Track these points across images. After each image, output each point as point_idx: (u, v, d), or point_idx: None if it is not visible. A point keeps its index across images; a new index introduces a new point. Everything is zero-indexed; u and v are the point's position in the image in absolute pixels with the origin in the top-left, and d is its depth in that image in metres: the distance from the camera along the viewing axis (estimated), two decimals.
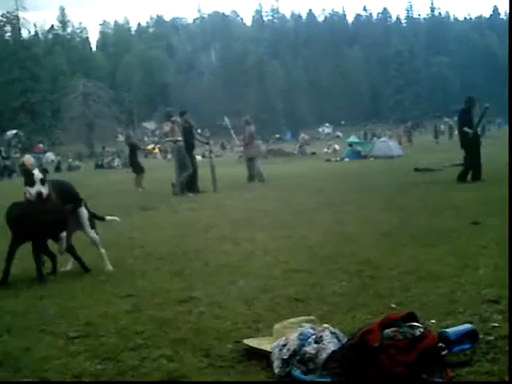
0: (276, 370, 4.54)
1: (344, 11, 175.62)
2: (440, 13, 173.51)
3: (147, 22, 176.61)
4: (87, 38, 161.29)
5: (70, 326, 6.03)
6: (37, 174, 8.35)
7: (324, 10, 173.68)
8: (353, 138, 58.12)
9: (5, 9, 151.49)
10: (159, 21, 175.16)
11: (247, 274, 7.78)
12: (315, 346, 4.52)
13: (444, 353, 4.39)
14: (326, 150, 54.63)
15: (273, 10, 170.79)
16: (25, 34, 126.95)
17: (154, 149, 65.50)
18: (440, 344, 4.40)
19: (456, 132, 19.90)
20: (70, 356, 5.17)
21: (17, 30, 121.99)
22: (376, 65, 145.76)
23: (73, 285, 7.76)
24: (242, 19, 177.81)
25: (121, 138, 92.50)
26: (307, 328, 4.78)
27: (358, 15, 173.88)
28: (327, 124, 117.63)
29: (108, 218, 9.76)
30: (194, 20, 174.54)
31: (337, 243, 9.65)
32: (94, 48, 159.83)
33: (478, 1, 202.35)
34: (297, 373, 4.42)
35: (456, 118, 20.15)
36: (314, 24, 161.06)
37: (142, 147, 33.91)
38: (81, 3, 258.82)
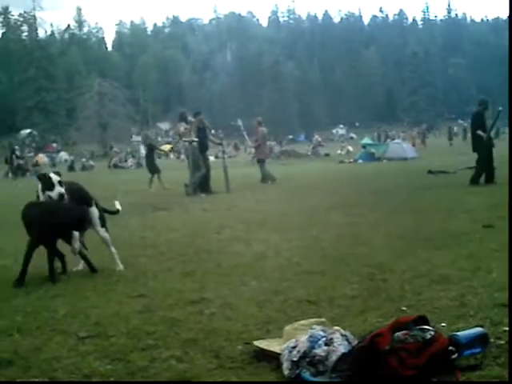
0: (285, 372, 4.53)
1: (360, 12, 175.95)
2: (457, 14, 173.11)
3: (163, 23, 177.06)
4: (103, 37, 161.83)
5: (81, 325, 6.04)
6: (54, 177, 8.44)
7: (340, 11, 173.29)
8: (366, 140, 57.97)
9: (22, 8, 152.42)
10: (175, 21, 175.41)
11: (259, 276, 7.78)
12: (325, 348, 4.51)
13: (454, 356, 4.36)
14: (339, 151, 54.57)
15: (289, 11, 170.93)
16: (41, 33, 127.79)
17: (171, 149, 65.58)
18: (450, 347, 4.37)
19: (469, 134, 19.77)
20: (80, 356, 5.19)
21: (33, 29, 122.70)
22: (391, 66, 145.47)
23: (84, 284, 7.78)
24: (257, 20, 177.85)
25: (135, 137, 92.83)
26: (317, 330, 4.77)
27: (374, 16, 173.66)
28: (341, 125, 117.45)
29: (117, 205, 9.89)
30: (210, 20, 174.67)
31: (349, 245, 9.64)
32: (109, 48, 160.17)
33: (495, 2, 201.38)
34: (306, 375, 4.42)
35: (470, 121, 20.01)
36: (329, 25, 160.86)
37: (159, 148, 34.02)
38: (97, 3, 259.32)
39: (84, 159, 61.87)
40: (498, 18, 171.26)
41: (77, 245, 8.68)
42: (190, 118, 21.40)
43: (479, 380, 4.30)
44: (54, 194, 8.28)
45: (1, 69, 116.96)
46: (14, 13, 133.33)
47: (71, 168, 54.30)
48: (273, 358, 4.81)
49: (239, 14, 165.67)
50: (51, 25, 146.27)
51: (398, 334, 4.31)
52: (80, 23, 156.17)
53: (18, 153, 49.45)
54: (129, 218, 13.80)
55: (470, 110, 19.49)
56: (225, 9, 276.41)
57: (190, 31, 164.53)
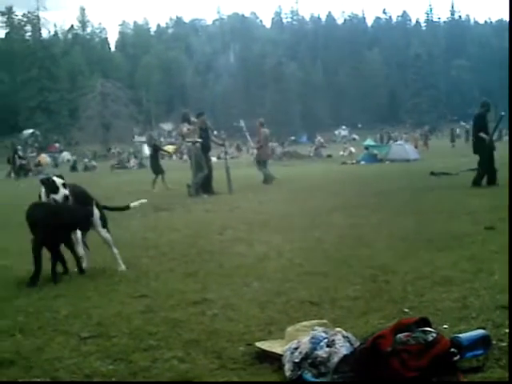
0: (287, 373, 4.53)
1: (363, 14, 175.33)
2: (460, 16, 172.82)
3: (166, 23, 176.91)
4: (106, 38, 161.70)
5: (83, 326, 6.05)
6: (57, 180, 8.54)
7: (343, 12, 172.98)
8: (369, 141, 57.94)
9: (26, 9, 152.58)
10: (178, 22, 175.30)
11: (261, 277, 7.78)
12: (327, 349, 4.51)
13: (456, 358, 4.36)
14: (341, 152, 54.51)
15: (292, 12, 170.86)
16: (44, 33, 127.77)
17: (175, 150, 65.50)
18: (452, 349, 4.37)
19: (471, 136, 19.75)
20: (82, 356, 5.20)
21: (37, 29, 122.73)
22: (395, 68, 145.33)
23: (86, 285, 7.78)
24: (261, 21, 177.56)
25: (137, 138, 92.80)
26: (319, 331, 4.77)
27: (378, 18, 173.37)
28: (344, 127, 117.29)
29: (133, 204, 9.84)
30: (213, 21, 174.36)
31: (352, 247, 9.63)
32: (112, 48, 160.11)
33: (498, 4, 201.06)
34: (308, 376, 4.42)
35: (472, 123, 20.01)
36: (333, 26, 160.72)
37: (164, 149, 34.07)
38: (101, 4, 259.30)
39: (86, 159, 61.89)
40: (501, 20, 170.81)
41: (80, 248, 8.75)
42: (193, 119, 21.40)
43: (481, 381, 4.31)
44: (59, 196, 8.36)
45: (4, 69, 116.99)
46: (18, 13, 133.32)
47: (73, 168, 54.34)
48: (275, 359, 4.81)
49: (242, 15, 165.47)
50: (54, 25, 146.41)
51: (400, 335, 4.31)
52: (83, 23, 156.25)
53: (20, 153, 49.42)
54: (131, 219, 13.81)
55: (473, 111, 19.43)
56: (228, 10, 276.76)
57: (194, 32, 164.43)
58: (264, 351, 4.98)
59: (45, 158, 69.12)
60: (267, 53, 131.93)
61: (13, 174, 44.96)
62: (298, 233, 11.39)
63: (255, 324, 5.83)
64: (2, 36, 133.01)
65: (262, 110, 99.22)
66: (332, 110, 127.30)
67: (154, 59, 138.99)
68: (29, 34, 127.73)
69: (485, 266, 7.52)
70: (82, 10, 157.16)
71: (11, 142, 61.52)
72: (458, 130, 67.76)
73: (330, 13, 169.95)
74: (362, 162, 40.72)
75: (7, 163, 47.83)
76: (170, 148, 65.41)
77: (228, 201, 18.36)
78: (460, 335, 4.70)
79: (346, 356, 4.40)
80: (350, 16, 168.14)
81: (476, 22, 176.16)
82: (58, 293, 7.44)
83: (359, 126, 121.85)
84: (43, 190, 8.59)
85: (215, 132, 30.55)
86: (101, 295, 7.27)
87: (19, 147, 56.35)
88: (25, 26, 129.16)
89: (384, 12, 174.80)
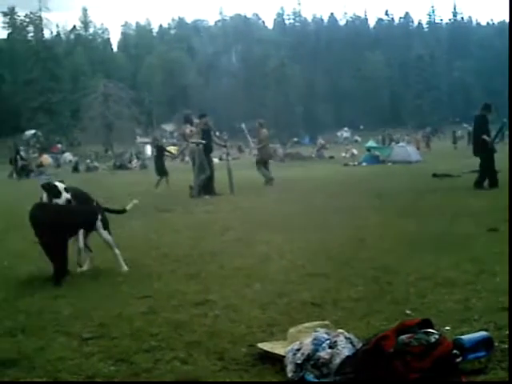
0: (289, 375, 4.53)
1: (366, 15, 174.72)
2: (462, 17, 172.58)
3: (169, 24, 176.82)
4: (109, 38, 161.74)
5: (85, 326, 6.05)
6: (59, 185, 8.66)
7: (346, 13, 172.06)
8: (371, 143, 57.95)
9: (28, 9, 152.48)
10: (181, 23, 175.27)
11: (263, 278, 7.78)
12: (329, 350, 4.51)
13: (458, 360, 4.37)
14: (344, 154, 54.44)
15: (294, 14, 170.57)
16: (47, 34, 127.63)
17: (178, 151, 65.32)
18: (455, 351, 4.38)
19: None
20: (84, 357, 5.20)
21: (39, 30, 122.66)
22: (397, 69, 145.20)
23: (88, 286, 7.78)
24: (263, 22, 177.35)
25: (139, 139, 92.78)
26: (322, 333, 4.77)
27: (380, 19, 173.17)
28: (346, 128, 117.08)
29: (128, 206, 9.75)
30: (215, 22, 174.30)
31: (354, 248, 9.63)
32: (115, 49, 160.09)
33: (501, 5, 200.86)
34: (310, 377, 4.42)
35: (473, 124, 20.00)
36: (335, 28, 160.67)
37: (169, 150, 34.07)
38: (103, 4, 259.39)
39: (88, 160, 61.88)
40: (503, 22, 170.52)
41: (81, 243, 8.78)
42: (195, 120, 21.40)
43: (483, 381, 4.31)
44: (61, 201, 8.45)
45: (6, 69, 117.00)
46: (20, 13, 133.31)
47: (75, 169, 54.32)
48: (277, 360, 4.81)
49: (245, 16, 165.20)
50: (57, 25, 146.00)
51: (402, 337, 4.31)
52: (86, 24, 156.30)
53: (22, 153, 49.47)
54: (133, 220, 13.80)
55: (475, 113, 19.36)
56: (230, 11, 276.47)
57: (196, 33, 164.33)
58: (266, 352, 4.98)
59: (47, 158, 69.02)
60: (269, 54, 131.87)
61: (15, 175, 44.94)
62: (300, 234, 11.38)
63: (257, 325, 5.83)
64: (5, 36, 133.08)
65: (264, 111, 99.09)
66: (334, 111, 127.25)
67: (157, 60, 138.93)
68: (31, 34, 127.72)
69: (487, 268, 7.53)
70: (85, 10, 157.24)
71: (13, 142, 61.36)
72: (459, 132, 67.52)
73: (332, 14, 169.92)
74: (364, 164, 40.68)
75: (9, 164, 47.83)
76: (172, 149, 65.28)
77: (230, 202, 18.35)
78: (462, 337, 4.71)
79: (348, 357, 4.40)
80: (352, 17, 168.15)
81: (478, 24, 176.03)
82: (59, 293, 7.44)
83: (361, 127, 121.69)
84: (45, 195, 8.65)
85: (217, 133, 30.51)
86: (103, 296, 7.28)
87: (22, 148, 56.37)
88: (27, 26, 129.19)
89: (386, 13, 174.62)
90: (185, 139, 21.93)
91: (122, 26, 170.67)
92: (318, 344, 4.60)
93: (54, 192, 8.52)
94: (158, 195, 22.06)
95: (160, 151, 28.64)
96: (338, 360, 4.41)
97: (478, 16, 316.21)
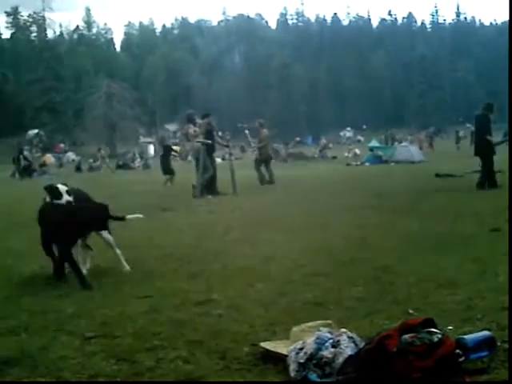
0: (292, 374, 4.53)
1: (369, 15, 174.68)
2: (466, 18, 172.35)
3: (172, 24, 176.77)
4: (112, 38, 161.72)
5: (87, 325, 6.06)
6: (61, 187, 8.68)
7: (349, 13, 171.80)
8: (374, 143, 57.87)
9: (31, 9, 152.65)
10: (184, 22, 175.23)
11: (265, 277, 7.78)
12: (332, 350, 4.51)
13: (461, 359, 4.36)
14: (346, 154, 54.40)
15: (297, 14, 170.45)
16: (50, 34, 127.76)
17: (181, 151, 65.28)
18: (457, 351, 4.37)
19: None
20: (86, 356, 5.20)
21: (42, 30, 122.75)
22: (400, 69, 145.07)
23: (91, 285, 7.76)
24: (266, 22, 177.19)
25: (143, 139, 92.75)
26: (324, 332, 4.77)
27: (383, 19, 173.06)
28: (348, 128, 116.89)
29: (129, 216, 9.71)
30: (218, 22, 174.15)
31: (356, 248, 9.63)
32: (118, 49, 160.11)
33: (504, 6, 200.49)
34: (313, 377, 4.42)
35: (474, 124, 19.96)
36: (338, 28, 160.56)
37: (175, 150, 34.20)
38: (106, 4, 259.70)
39: (91, 160, 61.82)
40: (507, 22, 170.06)
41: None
42: (198, 120, 21.40)
43: (486, 381, 4.31)
44: (62, 202, 8.41)
45: (10, 69, 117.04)
46: (24, 13, 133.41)
47: (78, 168, 54.29)
48: (279, 359, 4.81)
49: (248, 16, 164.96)
50: (60, 25, 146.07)
51: (405, 336, 4.30)
52: (89, 24, 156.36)
53: (26, 152, 49.46)
54: (135, 219, 13.79)
55: (477, 113, 19.34)
56: (234, 10, 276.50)
57: (199, 33, 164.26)
58: (269, 352, 4.98)
59: (49, 158, 68.95)
60: (272, 54, 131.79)
61: (17, 175, 44.93)
62: (303, 234, 11.39)
63: (260, 324, 5.83)
64: (8, 36, 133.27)
65: (266, 111, 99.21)
66: (337, 111, 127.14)
67: (160, 60, 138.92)
68: (34, 34, 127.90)
69: (490, 268, 7.52)
70: (88, 10, 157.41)
71: (17, 142, 61.28)
72: (461, 133, 67.33)
73: (335, 14, 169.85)
74: (367, 164, 40.66)
75: (12, 163, 47.80)
76: (176, 148, 65.30)
77: (232, 202, 18.35)
78: (465, 336, 4.70)
79: (351, 357, 4.40)
80: (355, 17, 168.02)
81: (482, 24, 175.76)
82: (62, 292, 7.45)
83: (364, 127, 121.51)
84: (47, 197, 8.68)
85: (220, 133, 30.49)
86: (105, 295, 7.28)
87: (26, 147, 56.34)
88: (30, 26, 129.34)
89: (389, 13, 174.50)
90: (188, 139, 21.92)
91: (125, 25, 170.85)
92: (320, 343, 4.60)
93: (55, 193, 8.54)
94: (161, 194, 22.05)
95: (167, 151, 28.72)
96: (340, 359, 4.40)
97: (481, 16, 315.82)
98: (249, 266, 8.57)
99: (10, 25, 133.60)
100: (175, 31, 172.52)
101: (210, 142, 20.52)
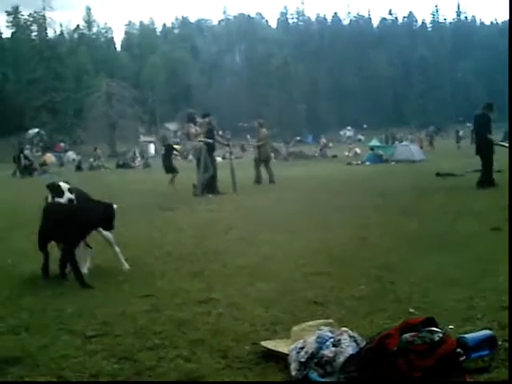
0: (293, 373, 4.53)
1: (369, 15, 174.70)
2: (466, 17, 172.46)
3: (172, 23, 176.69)
4: (112, 38, 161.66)
5: (88, 324, 6.06)
6: (63, 185, 8.67)
7: (349, 13, 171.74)
8: (374, 142, 57.85)
9: (32, 8, 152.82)
10: (184, 22, 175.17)
11: (266, 276, 7.78)
12: (333, 349, 4.51)
13: (462, 358, 4.36)
14: (347, 153, 54.38)
15: (298, 13, 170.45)
16: (50, 33, 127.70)
17: (182, 150, 65.24)
18: (458, 350, 4.37)
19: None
20: (88, 355, 5.20)
21: (43, 29, 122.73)
22: (400, 69, 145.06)
23: (92, 284, 7.76)
24: (267, 21, 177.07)
25: (143, 138, 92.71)
26: (325, 331, 4.77)
27: (384, 19, 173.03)
28: (349, 127, 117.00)
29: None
30: (219, 22, 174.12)
31: (356, 247, 9.64)
32: (118, 48, 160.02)
33: (505, 5, 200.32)
34: (314, 375, 4.41)
35: (474, 123, 19.97)
36: (338, 27, 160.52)
37: (177, 149, 34.20)
38: (107, 3, 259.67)
39: (92, 159, 61.81)
40: (507, 21, 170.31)
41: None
42: (199, 119, 21.40)
43: (486, 380, 4.31)
44: (63, 200, 8.41)
45: (10, 68, 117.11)
46: (24, 13, 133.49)
47: (79, 168, 54.30)
48: (280, 358, 4.81)
49: (248, 16, 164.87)
50: (60, 25, 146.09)
51: (406, 335, 4.31)
52: (89, 23, 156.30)
53: (27, 151, 49.53)
54: (136, 218, 13.81)
55: (477, 112, 19.34)
56: (234, 10, 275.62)
57: (199, 32, 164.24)
58: (270, 350, 4.98)
59: (50, 157, 69.03)
60: (273, 53, 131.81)
61: (18, 173, 44.97)
62: (303, 233, 11.39)
63: (260, 323, 5.83)
64: (8, 36, 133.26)
65: (267, 110, 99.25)
66: (337, 110, 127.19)
67: (160, 59, 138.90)
68: (35, 33, 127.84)
69: (490, 267, 7.53)
70: (88, 9, 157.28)
71: (18, 141, 61.32)
72: (461, 132, 67.26)
73: (335, 13, 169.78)
74: (368, 163, 40.65)
75: (13, 162, 47.83)
76: (177, 148, 65.12)
77: (233, 201, 18.35)
78: (466, 336, 4.70)
79: (352, 356, 4.40)
80: (355, 17, 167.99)
81: (482, 23, 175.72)
82: (63, 291, 7.45)
83: (365, 126, 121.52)
84: (49, 195, 8.68)
85: (220, 132, 30.53)
86: (106, 294, 7.28)
87: (28, 146, 56.38)
88: (31, 25, 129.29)
89: (390, 13, 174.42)
90: (189, 138, 21.91)
91: (126, 25, 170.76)
92: (321, 342, 4.60)
93: (57, 191, 8.53)
94: (162, 194, 22.04)
95: (168, 150, 28.73)
96: (341, 358, 4.40)
97: (481, 15, 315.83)
98: (249, 265, 8.58)
99: (10, 24, 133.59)
100: (176, 31, 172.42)
101: (211, 141, 20.54)
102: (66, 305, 6.81)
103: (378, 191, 18.76)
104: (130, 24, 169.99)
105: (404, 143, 50.18)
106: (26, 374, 4.87)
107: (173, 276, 8.14)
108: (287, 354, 4.72)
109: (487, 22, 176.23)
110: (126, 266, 8.67)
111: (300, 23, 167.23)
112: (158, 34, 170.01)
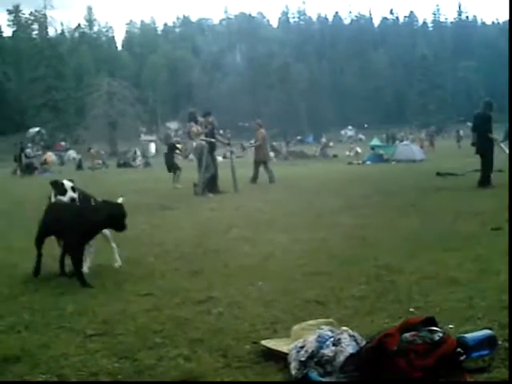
0: (293, 372, 4.53)
1: (370, 14, 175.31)
2: (467, 17, 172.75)
3: (173, 23, 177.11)
4: (113, 37, 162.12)
5: (88, 323, 6.06)
6: (67, 183, 8.65)
7: (350, 12, 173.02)
8: (375, 142, 57.87)
9: (33, 7, 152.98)
10: (185, 21, 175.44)
11: (266, 276, 7.78)
12: (333, 348, 4.51)
13: (462, 358, 4.36)
14: (348, 152, 54.35)
15: (299, 12, 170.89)
16: (51, 32, 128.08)
17: (184, 149, 65.10)
18: (458, 349, 4.36)
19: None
20: (88, 353, 5.20)
21: (44, 28, 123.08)
22: (401, 68, 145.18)
23: (92, 283, 7.75)
24: (268, 21, 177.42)
25: (144, 137, 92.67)
26: (325, 330, 4.77)
27: (385, 18, 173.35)
28: (350, 127, 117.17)
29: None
30: (220, 21, 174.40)
31: (357, 246, 9.63)
32: (119, 47, 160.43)
33: (506, 5, 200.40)
34: (314, 375, 4.41)
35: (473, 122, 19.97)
36: (340, 27, 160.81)
37: (180, 148, 34.23)
38: (108, 2, 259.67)
39: (93, 158, 61.77)
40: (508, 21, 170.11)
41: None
42: (200, 118, 21.39)
43: (486, 379, 4.31)
44: (65, 198, 8.42)
45: (11, 67, 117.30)
46: (25, 11, 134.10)
47: (79, 166, 54.32)
48: (280, 357, 4.81)
49: (249, 15, 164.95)
50: (61, 24, 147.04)
51: (406, 334, 4.31)
52: (90, 22, 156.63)
53: (28, 150, 49.55)
54: (136, 217, 13.80)
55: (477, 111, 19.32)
56: (235, 9, 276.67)
57: (200, 31, 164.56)
58: (270, 350, 4.98)
59: (51, 156, 69.02)
60: (274, 53, 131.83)
61: (19, 172, 44.99)
62: (304, 232, 11.38)
63: (261, 323, 5.83)
64: (10, 34, 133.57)
65: (268, 110, 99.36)
66: (338, 110, 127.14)
67: (161, 58, 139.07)
68: (36, 32, 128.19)
69: (491, 267, 7.52)
70: (89, 8, 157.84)
71: (20, 141, 61.35)
72: (461, 132, 67.15)
73: (336, 13, 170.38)
74: (368, 162, 40.68)
75: (14, 161, 47.86)
76: (179, 147, 64.96)
77: (233, 200, 18.36)
78: (466, 335, 4.70)
79: (352, 355, 4.40)
80: (356, 16, 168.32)
81: (483, 23, 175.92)
82: (63, 290, 7.45)
83: (365, 126, 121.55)
84: (52, 192, 8.66)
85: (221, 131, 30.50)
86: (106, 293, 7.28)
87: (29, 145, 56.36)
88: (32, 24, 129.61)
89: (391, 12, 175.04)
90: (191, 137, 21.90)
91: (127, 24, 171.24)
92: (321, 341, 4.60)
93: (60, 189, 8.52)
94: (162, 193, 22.03)
95: (171, 149, 28.76)
96: (341, 358, 4.40)
97: (482, 15, 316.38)
98: (250, 264, 8.57)
99: (11, 23, 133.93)
100: (177, 30, 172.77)
101: (213, 140, 20.56)
102: (66, 304, 6.81)
103: (379, 191, 18.76)
104: (131, 23, 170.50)
105: (405, 143, 50.21)
106: (26, 372, 4.87)
107: (173, 275, 8.14)
108: (287, 354, 4.71)
109: (488, 22, 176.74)
110: (119, 262, 8.69)
111: (301, 23, 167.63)
112: (159, 33, 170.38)
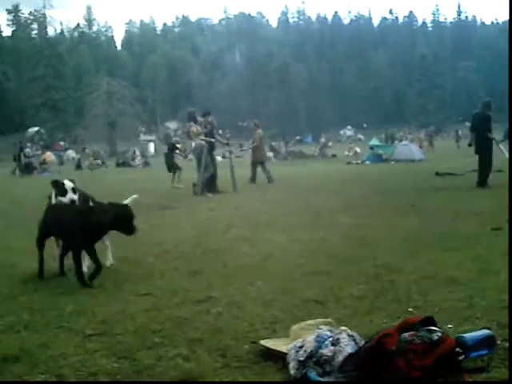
0: (292, 372, 4.53)
1: (370, 14, 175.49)
2: (467, 17, 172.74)
3: (173, 22, 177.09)
4: (112, 36, 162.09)
5: (88, 323, 6.05)
6: (67, 183, 8.58)
7: (350, 12, 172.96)
8: (374, 141, 57.86)
9: (32, 7, 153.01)
10: (185, 21, 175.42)
11: (265, 276, 7.77)
12: (332, 348, 4.50)
13: (461, 358, 4.35)
14: (347, 152, 54.36)
15: (299, 12, 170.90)
16: (51, 31, 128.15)
17: (183, 149, 65.06)
18: (457, 349, 4.36)
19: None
20: (87, 353, 5.20)
21: (43, 27, 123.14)
22: (400, 68, 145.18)
23: (91, 283, 7.75)
24: (267, 21, 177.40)
25: (143, 137, 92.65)
26: (324, 330, 4.76)
27: (384, 18, 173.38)
28: (349, 127, 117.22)
29: (126, 201, 9.45)
30: (219, 21, 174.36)
31: (356, 246, 9.63)
32: (118, 47, 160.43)
33: (505, 5, 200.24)
34: (313, 375, 4.41)
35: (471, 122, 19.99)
36: (339, 26, 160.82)
37: (180, 148, 34.24)
38: (107, 2, 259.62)
39: (91, 158, 61.76)
40: (507, 21, 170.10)
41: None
42: (199, 118, 21.38)
43: (485, 379, 4.31)
44: (65, 199, 8.38)
45: (10, 67, 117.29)
46: (25, 11, 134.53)
47: (78, 166, 54.30)
48: (279, 357, 4.80)
49: (249, 15, 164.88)
50: (61, 23, 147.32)
51: (405, 334, 4.31)
52: (90, 22, 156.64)
53: (28, 150, 49.53)
54: (136, 217, 13.78)
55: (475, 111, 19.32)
56: (235, 9, 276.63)
57: (200, 31, 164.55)
58: (268, 349, 4.98)
59: (50, 155, 68.98)
60: (273, 52, 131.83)
61: (18, 172, 44.98)
62: (303, 232, 11.38)
63: (260, 322, 5.83)
64: (9, 34, 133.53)
65: (267, 110, 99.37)
66: (337, 109, 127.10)
67: (160, 58, 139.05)
68: (35, 32, 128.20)
69: (490, 267, 7.52)
70: (89, 8, 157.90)
71: (20, 140, 61.32)
72: (460, 132, 67.11)
73: (336, 13, 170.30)
74: (367, 162, 40.70)
75: (13, 161, 47.85)
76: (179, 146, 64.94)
77: (232, 200, 18.36)
78: (465, 335, 4.69)
79: (350, 355, 4.40)
80: (356, 16, 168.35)
81: (483, 23, 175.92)
82: (62, 290, 7.45)
83: (364, 126, 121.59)
84: (53, 192, 8.64)
85: (220, 131, 30.51)
86: (105, 293, 7.28)
87: (28, 144, 56.31)
88: (31, 24, 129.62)
89: (390, 12, 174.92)
90: (190, 137, 21.90)
91: (126, 24, 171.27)
92: (320, 341, 4.59)
93: (60, 190, 8.48)
94: (161, 193, 22.02)
95: (171, 149, 28.76)
96: (340, 357, 4.40)
97: (482, 15, 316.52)
98: (249, 264, 8.57)
99: (10, 22, 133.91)
100: (176, 29, 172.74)
101: (213, 139, 20.56)
102: (65, 303, 6.81)
103: (378, 191, 18.77)
104: (130, 23, 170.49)
105: (404, 143, 50.21)
106: (25, 372, 4.87)
107: (172, 275, 8.14)
108: (286, 353, 4.71)
109: (488, 22, 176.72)
110: (111, 261, 8.72)
111: (300, 22, 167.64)
112: (159, 32, 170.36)
